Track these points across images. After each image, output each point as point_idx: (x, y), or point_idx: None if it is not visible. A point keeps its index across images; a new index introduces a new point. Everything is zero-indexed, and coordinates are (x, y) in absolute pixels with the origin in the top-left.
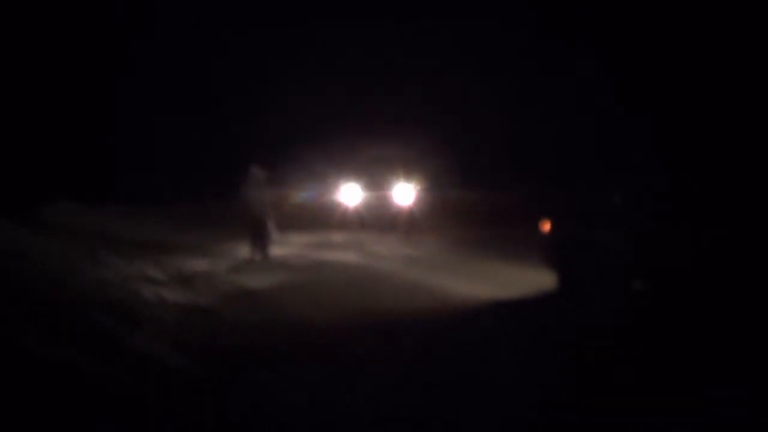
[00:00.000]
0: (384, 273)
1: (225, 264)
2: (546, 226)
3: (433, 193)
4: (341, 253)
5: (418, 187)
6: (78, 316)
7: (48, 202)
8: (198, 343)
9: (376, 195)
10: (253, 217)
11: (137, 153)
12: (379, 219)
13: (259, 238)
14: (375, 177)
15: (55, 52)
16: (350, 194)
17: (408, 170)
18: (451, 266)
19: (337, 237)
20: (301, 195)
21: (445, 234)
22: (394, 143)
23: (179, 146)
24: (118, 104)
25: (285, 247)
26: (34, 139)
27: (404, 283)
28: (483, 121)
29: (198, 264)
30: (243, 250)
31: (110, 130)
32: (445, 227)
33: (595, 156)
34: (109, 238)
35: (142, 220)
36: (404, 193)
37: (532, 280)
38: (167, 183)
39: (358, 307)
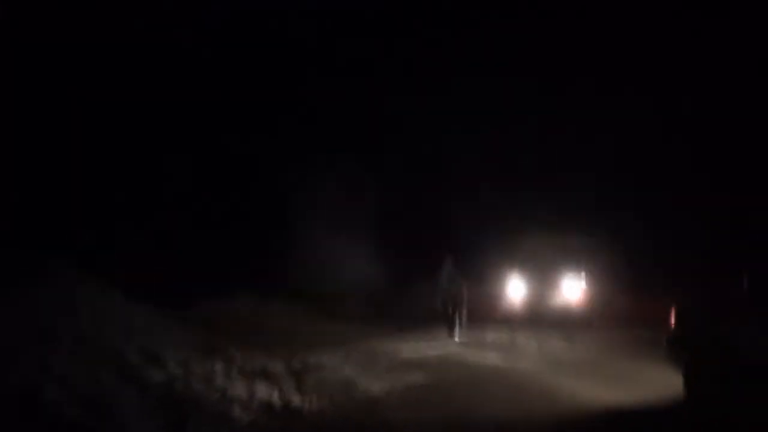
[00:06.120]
0: (514, 376)
1: (353, 359)
2: (672, 319)
3: (602, 290)
4: (487, 352)
5: (585, 284)
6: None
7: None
8: None
9: (542, 290)
10: (452, 303)
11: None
12: (543, 315)
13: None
14: (542, 272)
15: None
16: (515, 289)
17: (576, 266)
18: (595, 368)
19: (492, 334)
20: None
21: (609, 333)
22: (562, 238)
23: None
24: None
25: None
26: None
27: (530, 387)
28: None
29: (326, 359)
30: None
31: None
32: (610, 326)
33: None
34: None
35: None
36: (571, 290)
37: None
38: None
39: (458, 411)
